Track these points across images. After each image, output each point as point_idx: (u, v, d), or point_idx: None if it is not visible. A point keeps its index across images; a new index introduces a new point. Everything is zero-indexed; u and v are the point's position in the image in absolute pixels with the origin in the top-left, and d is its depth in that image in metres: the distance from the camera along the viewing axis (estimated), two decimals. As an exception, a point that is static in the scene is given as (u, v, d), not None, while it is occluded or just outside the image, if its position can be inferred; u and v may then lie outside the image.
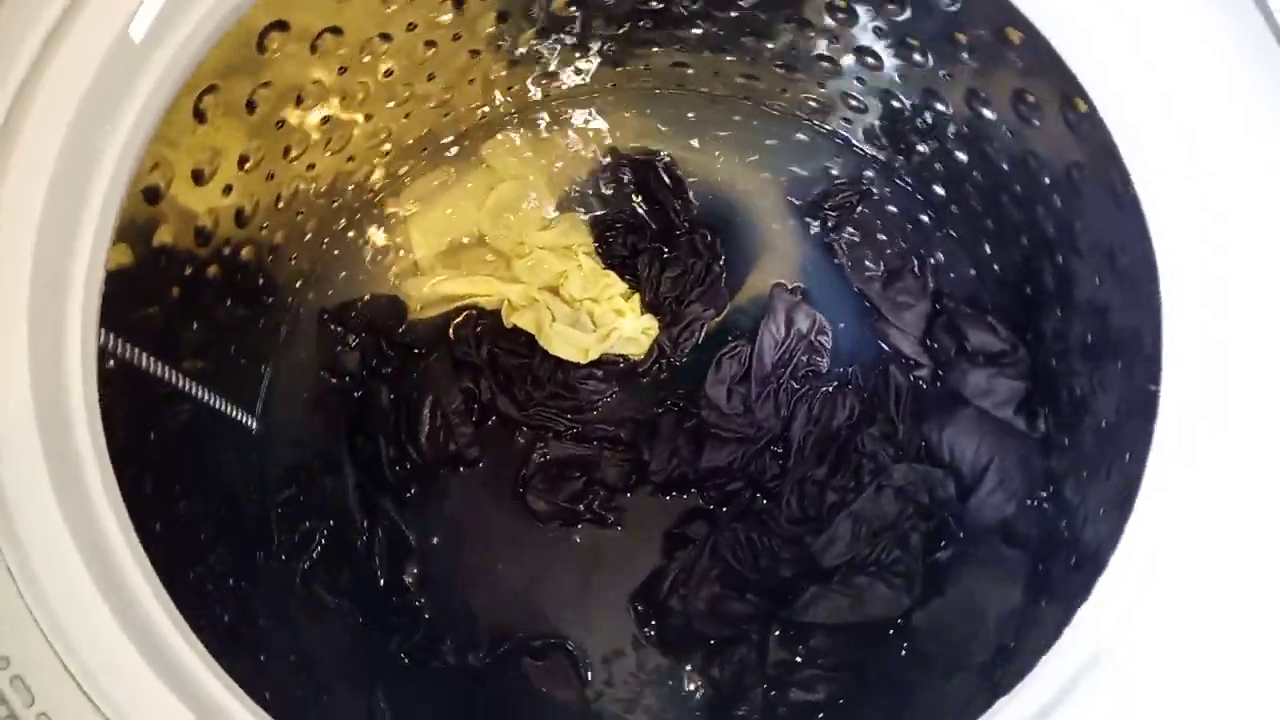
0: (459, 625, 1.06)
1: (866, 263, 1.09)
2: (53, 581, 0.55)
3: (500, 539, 1.08)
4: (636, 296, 1.12)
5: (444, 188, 1.15)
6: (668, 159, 1.14)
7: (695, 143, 1.15)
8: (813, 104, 1.09)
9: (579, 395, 1.10)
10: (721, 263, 1.11)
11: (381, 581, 1.05)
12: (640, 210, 1.15)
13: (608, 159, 1.15)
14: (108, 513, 0.58)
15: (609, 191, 1.15)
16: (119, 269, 0.69)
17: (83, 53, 0.58)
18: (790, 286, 1.10)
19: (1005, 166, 0.89)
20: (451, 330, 1.12)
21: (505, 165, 1.15)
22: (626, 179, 1.14)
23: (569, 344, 1.09)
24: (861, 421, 1.07)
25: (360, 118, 0.97)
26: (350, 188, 1.08)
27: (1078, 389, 0.91)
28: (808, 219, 1.13)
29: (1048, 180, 0.83)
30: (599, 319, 1.10)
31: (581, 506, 1.08)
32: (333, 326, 1.10)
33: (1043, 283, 0.94)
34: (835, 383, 1.09)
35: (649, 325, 1.11)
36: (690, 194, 1.14)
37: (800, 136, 1.14)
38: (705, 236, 1.11)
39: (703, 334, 1.11)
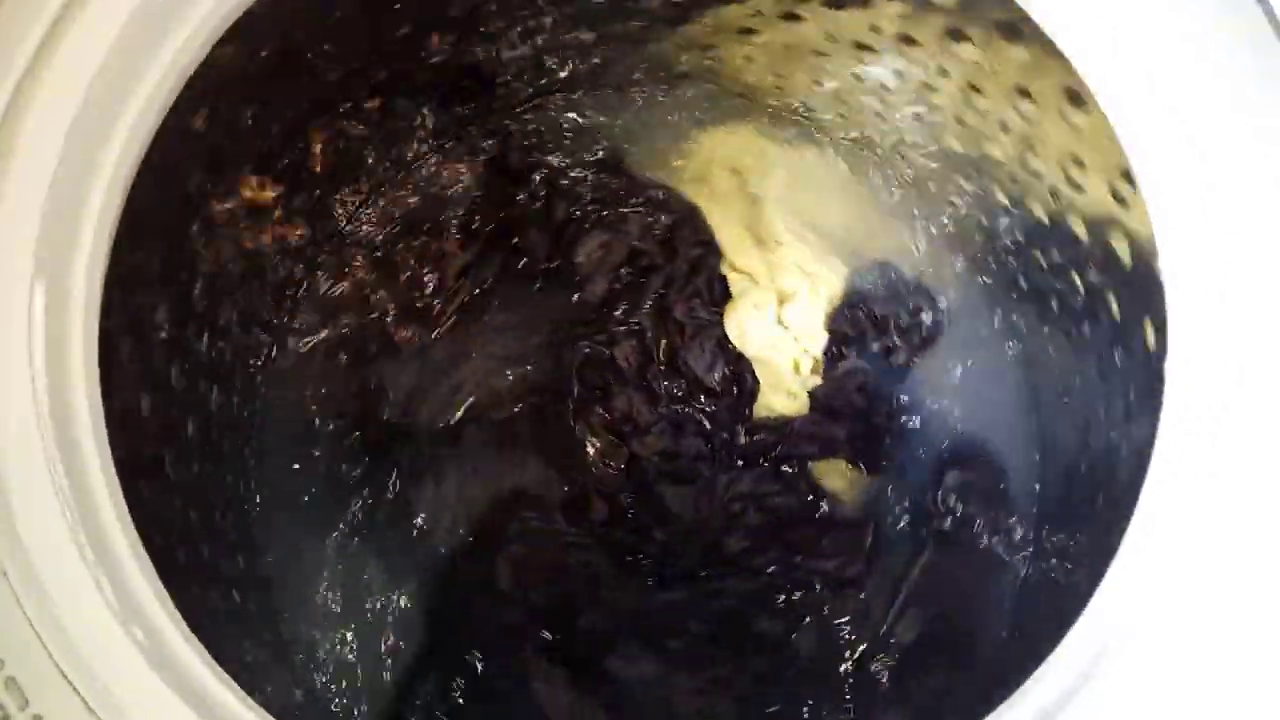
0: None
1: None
2: (50, 582, 0.54)
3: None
4: (818, 378, 1.05)
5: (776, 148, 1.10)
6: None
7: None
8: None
9: (683, 337, 1.05)
10: (886, 445, 1.02)
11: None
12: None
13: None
14: (109, 507, 0.57)
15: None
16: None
17: (83, 51, 0.57)
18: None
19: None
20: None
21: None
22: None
23: (742, 324, 1.05)
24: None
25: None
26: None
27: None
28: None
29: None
30: (782, 348, 1.05)
31: (575, 405, 1.04)
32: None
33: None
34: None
35: (800, 397, 1.04)
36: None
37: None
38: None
39: (807, 465, 1.03)
